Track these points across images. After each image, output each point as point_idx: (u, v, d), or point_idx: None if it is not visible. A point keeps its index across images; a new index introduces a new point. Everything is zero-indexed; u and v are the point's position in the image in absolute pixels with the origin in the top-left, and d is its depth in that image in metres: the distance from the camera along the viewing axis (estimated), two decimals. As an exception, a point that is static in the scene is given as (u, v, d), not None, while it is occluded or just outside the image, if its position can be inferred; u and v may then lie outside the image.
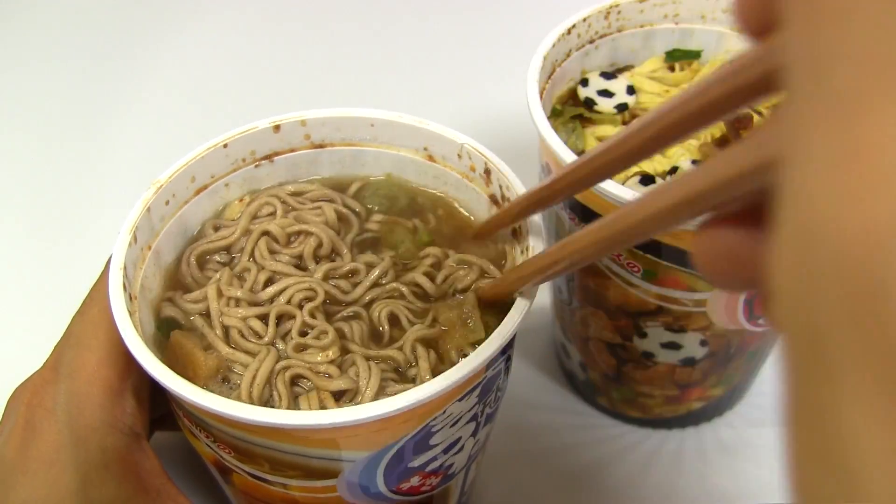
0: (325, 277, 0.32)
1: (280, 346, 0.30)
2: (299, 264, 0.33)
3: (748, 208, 0.16)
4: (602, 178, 0.26)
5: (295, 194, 0.35)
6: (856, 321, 0.09)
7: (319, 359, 0.29)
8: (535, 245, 0.31)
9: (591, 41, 0.41)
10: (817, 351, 0.10)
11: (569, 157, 0.32)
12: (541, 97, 0.36)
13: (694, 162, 0.36)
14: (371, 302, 0.32)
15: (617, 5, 0.41)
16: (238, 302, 0.31)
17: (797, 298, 0.10)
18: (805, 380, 0.10)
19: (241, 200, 0.35)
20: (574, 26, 0.40)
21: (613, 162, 0.23)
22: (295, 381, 0.29)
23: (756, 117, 0.36)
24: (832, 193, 0.10)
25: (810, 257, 0.10)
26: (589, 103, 0.40)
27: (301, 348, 0.30)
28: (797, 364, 0.10)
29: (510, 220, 0.32)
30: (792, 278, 0.10)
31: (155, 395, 0.32)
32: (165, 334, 0.31)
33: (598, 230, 0.22)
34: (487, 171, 0.33)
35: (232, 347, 0.30)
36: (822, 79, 0.10)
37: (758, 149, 0.14)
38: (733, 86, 0.15)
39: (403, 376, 0.30)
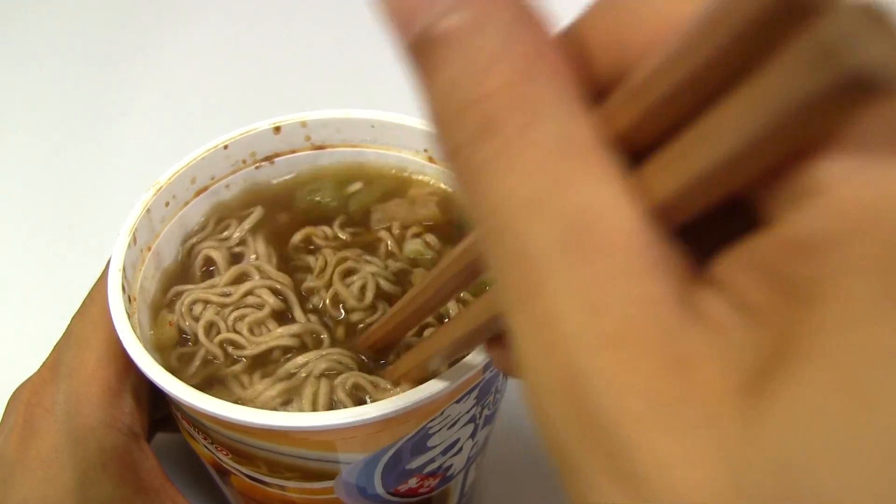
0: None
1: None
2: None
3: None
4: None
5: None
6: (581, 428, 0.12)
7: None
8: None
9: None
10: (567, 461, 0.13)
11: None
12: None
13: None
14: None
15: (619, 7, 0.41)
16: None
17: (537, 420, 0.13)
18: (567, 478, 0.13)
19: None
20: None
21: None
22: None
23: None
24: (532, 349, 0.13)
25: (534, 389, 0.13)
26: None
27: None
28: (558, 466, 0.13)
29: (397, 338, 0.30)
30: (531, 408, 0.13)
31: (155, 396, 0.32)
32: None
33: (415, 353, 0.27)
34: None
35: None
36: (503, 272, 0.13)
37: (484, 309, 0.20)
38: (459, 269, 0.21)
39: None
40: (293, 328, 0.31)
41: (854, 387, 0.10)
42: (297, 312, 0.31)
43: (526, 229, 0.12)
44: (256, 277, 0.32)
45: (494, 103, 0.13)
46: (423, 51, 0.14)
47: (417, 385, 0.26)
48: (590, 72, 0.14)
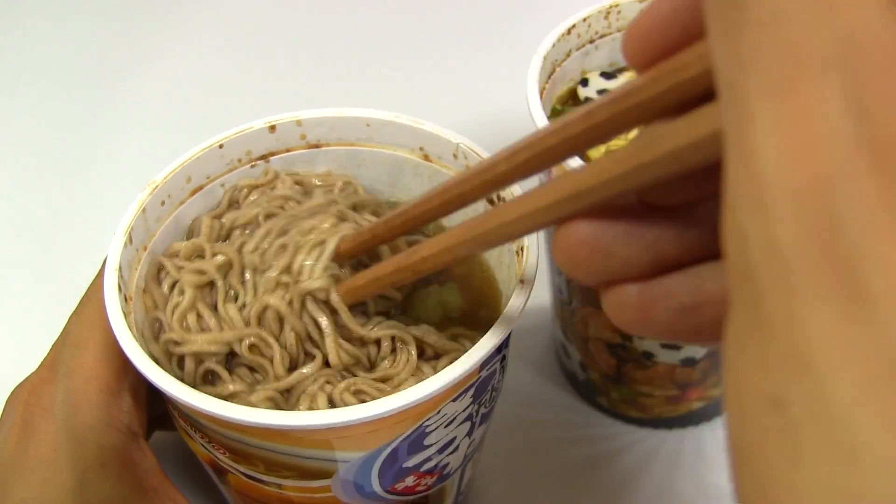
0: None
1: None
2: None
3: (607, 208, 0.19)
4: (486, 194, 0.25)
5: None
6: (816, 245, 0.12)
7: None
8: (531, 243, 0.30)
9: (591, 41, 0.41)
10: (780, 269, 0.12)
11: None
12: (541, 97, 0.36)
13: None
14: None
15: (617, 5, 0.41)
16: None
17: (756, 230, 0.12)
18: (763, 293, 0.12)
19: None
20: (574, 26, 0.40)
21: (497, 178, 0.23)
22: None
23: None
24: (783, 149, 0.12)
25: (767, 197, 0.12)
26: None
27: None
28: (754, 281, 0.12)
29: (385, 237, 0.29)
30: (749, 214, 0.12)
31: (153, 394, 0.32)
32: None
33: (466, 229, 0.24)
34: (484, 171, 0.33)
35: None
36: (756, 68, 0.12)
37: (701, 124, 0.16)
38: (674, 83, 0.17)
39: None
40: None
41: None
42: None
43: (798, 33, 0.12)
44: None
45: None
46: None
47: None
48: None
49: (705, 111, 0.15)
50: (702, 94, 0.16)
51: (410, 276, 0.27)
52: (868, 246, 0.11)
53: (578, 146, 0.20)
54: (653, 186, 0.18)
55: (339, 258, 0.30)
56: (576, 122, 0.20)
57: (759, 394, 0.12)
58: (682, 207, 0.19)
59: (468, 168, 0.24)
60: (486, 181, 0.23)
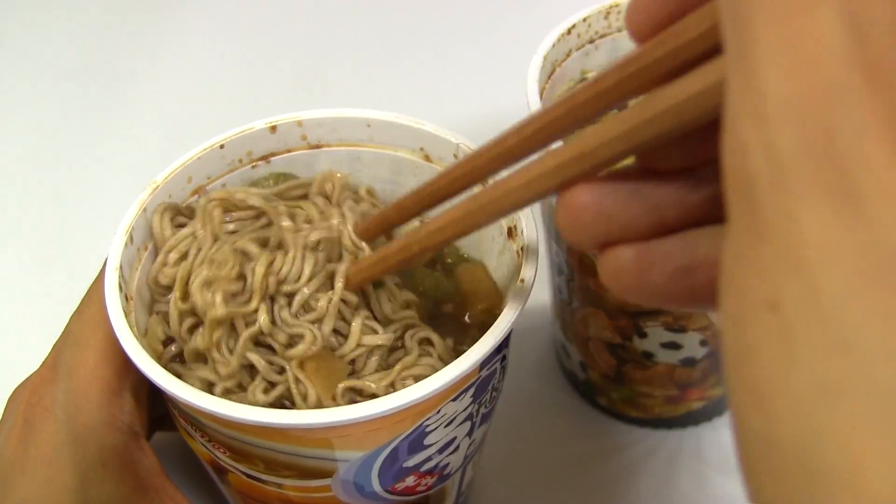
0: None
1: None
2: None
3: (608, 173, 0.19)
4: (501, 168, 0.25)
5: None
6: (814, 152, 0.12)
7: None
8: (530, 242, 0.30)
9: (591, 41, 0.41)
10: (779, 178, 0.12)
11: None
12: (541, 97, 0.36)
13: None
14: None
15: (617, 5, 0.41)
16: None
17: (758, 142, 0.13)
18: (761, 197, 0.13)
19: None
20: (574, 26, 0.40)
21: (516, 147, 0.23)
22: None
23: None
24: (784, 65, 0.13)
25: (768, 112, 0.13)
26: (588, 103, 0.40)
27: None
28: (752, 186, 0.13)
29: (397, 220, 0.30)
30: (749, 123, 0.13)
31: (154, 394, 0.32)
32: None
33: (474, 200, 0.24)
34: (484, 172, 0.33)
35: None
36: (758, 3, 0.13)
37: (707, 75, 0.16)
38: (675, 46, 0.17)
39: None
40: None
41: None
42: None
43: None
44: None
45: None
46: None
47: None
48: None
49: (703, 69, 0.16)
50: (702, 55, 0.17)
51: (418, 253, 0.26)
52: (860, 151, 0.12)
53: (586, 116, 0.20)
54: (654, 147, 0.18)
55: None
56: (583, 91, 0.20)
57: (755, 298, 0.13)
58: (683, 172, 0.19)
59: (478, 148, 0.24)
60: (495, 156, 0.23)
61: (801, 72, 0.12)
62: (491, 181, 0.24)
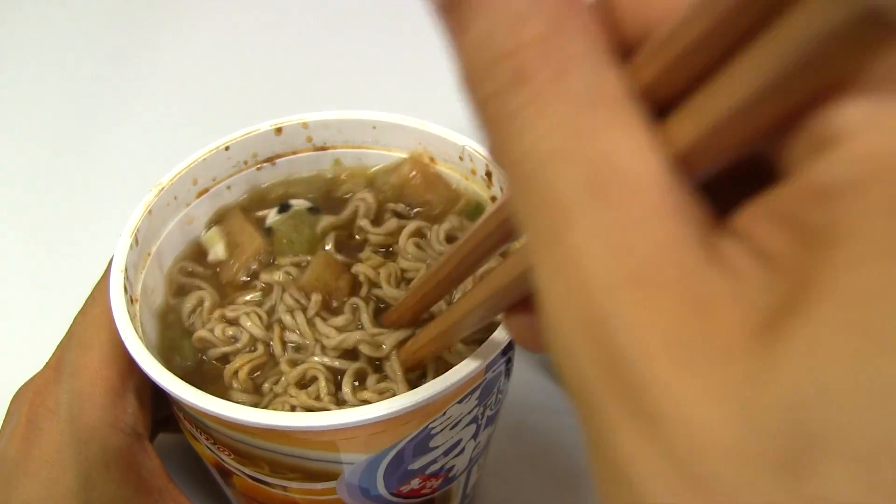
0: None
1: None
2: None
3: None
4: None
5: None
6: (610, 378, 0.12)
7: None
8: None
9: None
10: (591, 405, 0.13)
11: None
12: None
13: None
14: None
15: (620, 7, 0.41)
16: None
17: (563, 363, 0.13)
18: (587, 420, 0.13)
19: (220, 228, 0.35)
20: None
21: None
22: None
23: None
24: (558, 295, 0.13)
25: (556, 334, 0.13)
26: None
27: None
28: (580, 411, 0.13)
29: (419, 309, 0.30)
30: (553, 350, 0.13)
31: (158, 396, 0.32)
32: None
33: (436, 326, 0.27)
34: (489, 174, 0.33)
35: None
36: (531, 218, 0.14)
37: (521, 262, 0.19)
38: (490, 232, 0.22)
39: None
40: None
41: (865, 325, 0.10)
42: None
43: (553, 175, 0.13)
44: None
45: (525, 55, 0.13)
46: (454, 7, 0.14)
47: (434, 358, 0.27)
48: (617, 32, 0.15)
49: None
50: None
51: (456, 335, 0.27)
52: (650, 373, 0.12)
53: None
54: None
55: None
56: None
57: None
58: None
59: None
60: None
61: (575, 299, 0.13)
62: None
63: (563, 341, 0.13)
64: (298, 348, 0.31)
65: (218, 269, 0.34)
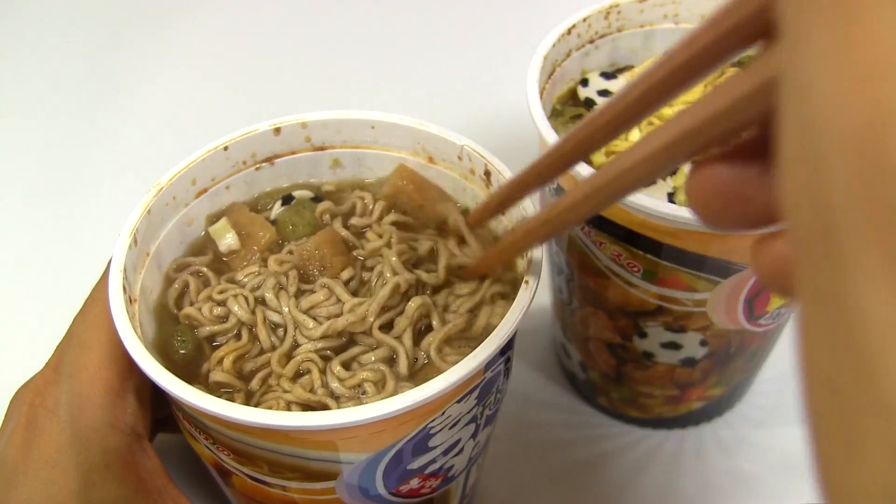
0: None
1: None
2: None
3: (739, 147, 0.16)
4: (588, 152, 0.24)
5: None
6: (866, 201, 0.09)
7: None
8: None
9: (591, 41, 0.41)
10: (828, 233, 0.10)
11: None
12: (541, 97, 0.36)
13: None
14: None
15: (617, 5, 0.41)
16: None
17: (806, 184, 0.10)
18: (816, 263, 0.10)
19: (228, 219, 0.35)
20: (574, 26, 0.40)
21: (599, 132, 0.22)
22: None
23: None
24: (834, 79, 0.10)
25: (817, 142, 0.10)
26: (589, 103, 0.40)
27: None
28: (808, 249, 0.10)
29: (499, 206, 0.30)
30: (800, 164, 0.10)
31: (157, 396, 0.32)
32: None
33: (590, 181, 0.22)
34: (487, 173, 0.34)
35: None
36: None
37: (754, 75, 0.14)
38: (722, 30, 0.15)
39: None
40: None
41: None
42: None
43: None
44: None
45: None
46: None
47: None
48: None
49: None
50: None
51: (559, 229, 0.26)
52: None
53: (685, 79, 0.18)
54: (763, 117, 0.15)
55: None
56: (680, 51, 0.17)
57: (817, 376, 0.11)
58: None
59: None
60: (609, 120, 0.21)
61: (857, 91, 0.10)
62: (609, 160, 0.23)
63: (820, 151, 0.10)
64: (276, 327, 0.31)
65: (226, 259, 0.34)
